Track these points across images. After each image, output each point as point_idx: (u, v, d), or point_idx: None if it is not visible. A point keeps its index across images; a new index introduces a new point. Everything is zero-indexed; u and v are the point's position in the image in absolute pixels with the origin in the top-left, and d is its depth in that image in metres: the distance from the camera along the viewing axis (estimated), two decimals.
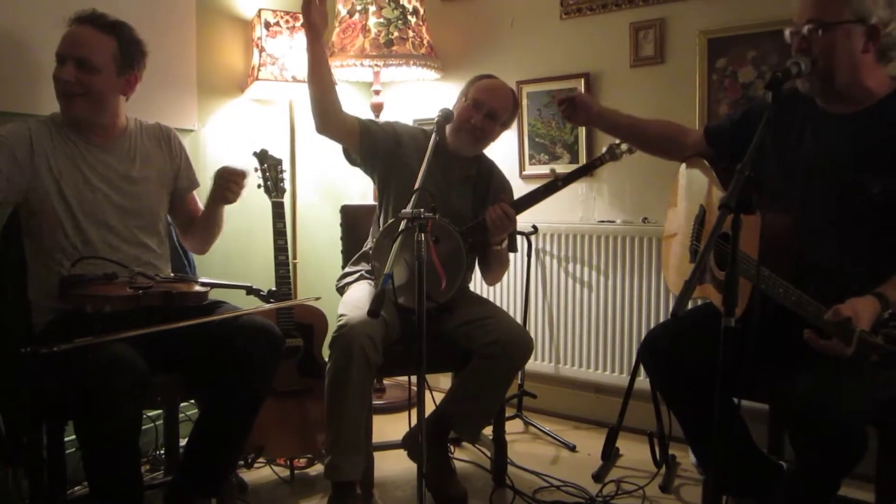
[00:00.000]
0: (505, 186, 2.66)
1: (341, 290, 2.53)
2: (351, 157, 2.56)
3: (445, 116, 2.34)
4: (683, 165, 2.29)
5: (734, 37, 2.80)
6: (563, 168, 3.26)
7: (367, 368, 2.17)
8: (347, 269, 2.61)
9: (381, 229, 2.38)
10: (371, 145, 2.47)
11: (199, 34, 2.99)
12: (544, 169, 3.33)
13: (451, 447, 2.55)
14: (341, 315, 2.26)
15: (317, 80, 2.39)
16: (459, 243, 2.31)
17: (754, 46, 2.75)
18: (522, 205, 2.42)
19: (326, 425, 2.25)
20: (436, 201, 1.85)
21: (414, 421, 1.82)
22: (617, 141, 2.45)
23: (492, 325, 2.34)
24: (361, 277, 2.51)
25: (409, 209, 1.73)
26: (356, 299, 2.35)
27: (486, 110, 2.47)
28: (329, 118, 2.43)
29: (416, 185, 1.91)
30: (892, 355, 1.39)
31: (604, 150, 2.49)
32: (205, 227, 2.26)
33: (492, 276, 2.60)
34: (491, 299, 2.83)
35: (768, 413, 2.33)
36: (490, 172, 2.63)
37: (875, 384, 1.65)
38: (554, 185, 2.46)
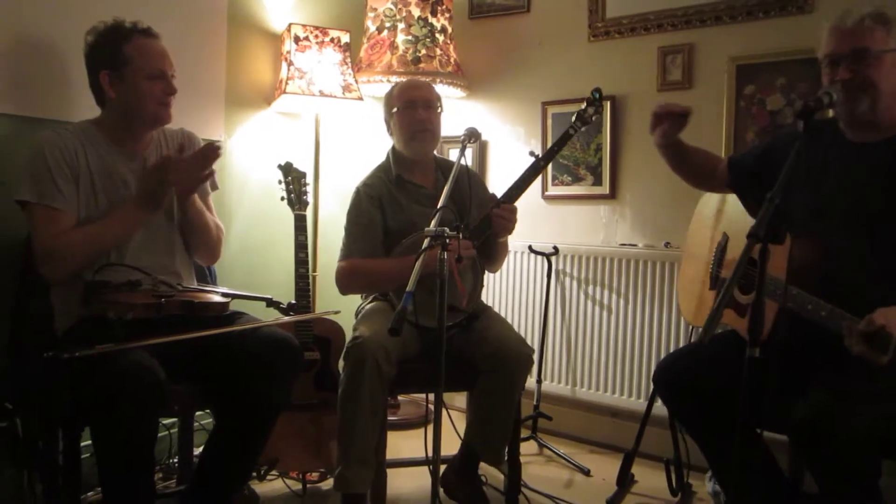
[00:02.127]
0: (481, 180, 2.75)
1: (358, 313, 2.53)
2: None
3: (471, 135, 2.34)
4: (705, 195, 2.29)
5: (763, 64, 2.79)
6: (586, 189, 3.27)
7: (379, 380, 2.16)
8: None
9: (396, 250, 2.37)
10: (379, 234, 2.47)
11: (229, 46, 3.03)
12: (567, 190, 3.32)
13: (484, 476, 2.52)
14: (356, 328, 2.28)
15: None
16: (477, 261, 2.31)
17: (783, 74, 2.74)
18: (515, 194, 2.39)
19: (338, 436, 2.25)
20: (459, 220, 1.85)
21: (430, 439, 1.81)
22: (583, 106, 2.44)
23: (489, 336, 2.33)
24: (375, 299, 2.51)
25: (432, 227, 1.73)
26: (372, 315, 2.36)
27: (422, 103, 2.48)
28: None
29: (440, 204, 1.91)
30: None
31: (573, 118, 2.46)
32: (190, 229, 2.21)
33: (496, 266, 2.60)
34: (510, 319, 2.82)
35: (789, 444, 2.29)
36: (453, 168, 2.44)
37: (886, 402, 1.62)
38: (537, 164, 2.42)
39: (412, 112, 2.47)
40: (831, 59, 1.83)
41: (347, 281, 2.43)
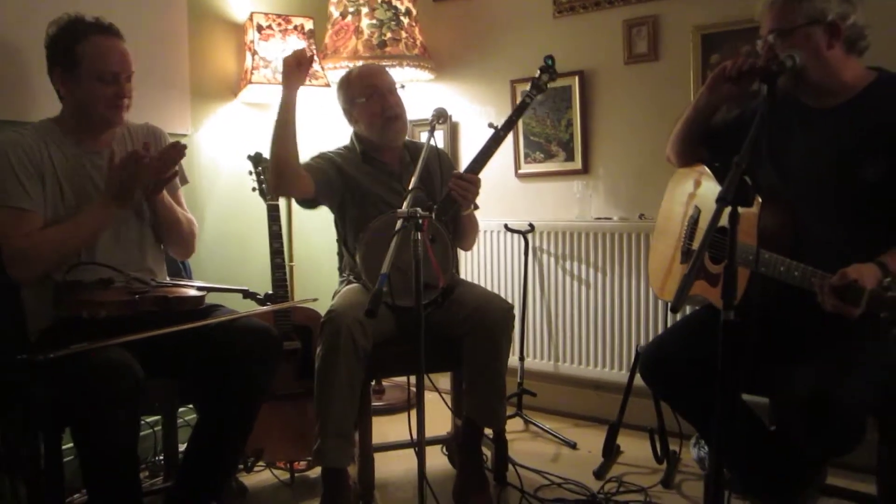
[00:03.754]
0: (451, 162, 2.72)
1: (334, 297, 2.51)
2: (307, 205, 2.50)
3: (440, 115, 2.33)
4: (678, 172, 2.29)
5: (727, 32, 2.79)
6: (559, 165, 3.28)
7: (355, 354, 2.16)
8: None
9: (365, 234, 2.34)
10: (328, 189, 2.43)
11: (191, 38, 2.98)
12: (540, 167, 3.33)
13: (486, 457, 2.52)
14: (331, 305, 2.28)
15: (285, 138, 2.27)
16: (446, 235, 2.31)
17: (747, 41, 2.73)
18: (478, 165, 2.38)
19: (315, 411, 2.23)
20: (431, 199, 1.84)
21: (414, 422, 1.81)
22: (537, 74, 2.45)
23: (466, 299, 2.34)
24: (349, 282, 2.50)
25: (405, 208, 1.72)
26: (347, 294, 2.36)
27: (386, 88, 2.48)
28: (292, 181, 2.33)
29: (411, 186, 1.91)
30: None
31: (528, 87, 2.47)
32: (161, 230, 2.19)
33: (468, 242, 2.60)
34: None
35: (769, 406, 2.33)
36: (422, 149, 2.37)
37: (876, 370, 1.65)
38: (497, 135, 2.42)
39: (380, 100, 2.45)
40: (761, 43, 1.89)
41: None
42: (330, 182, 2.43)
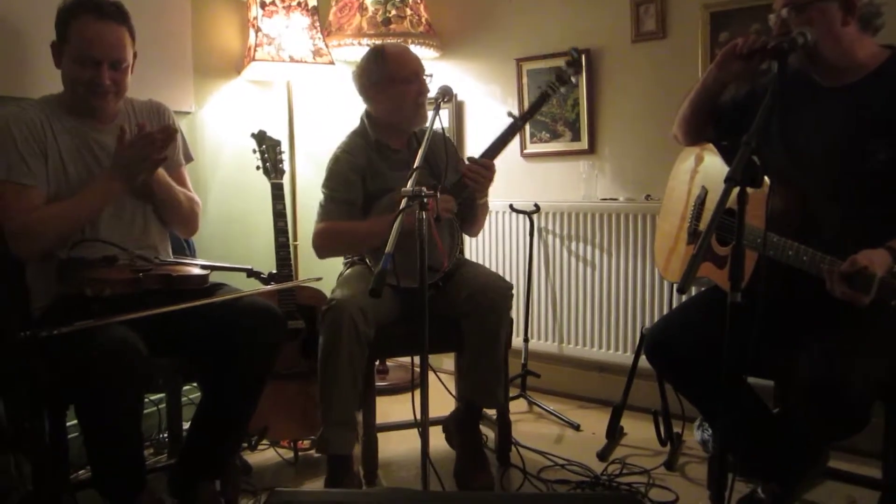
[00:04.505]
0: (455, 147, 2.70)
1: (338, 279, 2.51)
2: None
3: (445, 93, 2.30)
4: (684, 150, 2.27)
5: (736, 10, 2.75)
6: (564, 145, 3.25)
7: (357, 342, 2.16)
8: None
9: (372, 213, 2.35)
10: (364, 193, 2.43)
11: (194, 15, 2.95)
12: (546, 147, 3.30)
13: (485, 436, 2.53)
14: (333, 291, 2.28)
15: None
16: (453, 218, 2.30)
17: (757, 19, 2.70)
18: (494, 152, 2.38)
19: (319, 399, 2.24)
20: (436, 179, 1.82)
21: (418, 402, 1.81)
22: (563, 65, 2.43)
23: (467, 278, 2.34)
24: (353, 263, 2.49)
25: (409, 187, 1.71)
26: (349, 279, 2.35)
27: (421, 73, 2.46)
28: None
29: (416, 164, 1.88)
30: None
31: (553, 77, 2.46)
32: (160, 205, 2.15)
33: (477, 228, 2.58)
34: None
35: (773, 389, 2.32)
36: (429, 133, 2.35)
37: (883, 354, 1.64)
38: (514, 125, 2.43)
39: (415, 86, 2.43)
40: (774, 16, 1.85)
41: (324, 243, 2.41)
42: (359, 200, 2.41)
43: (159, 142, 1.95)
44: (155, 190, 2.10)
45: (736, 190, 1.39)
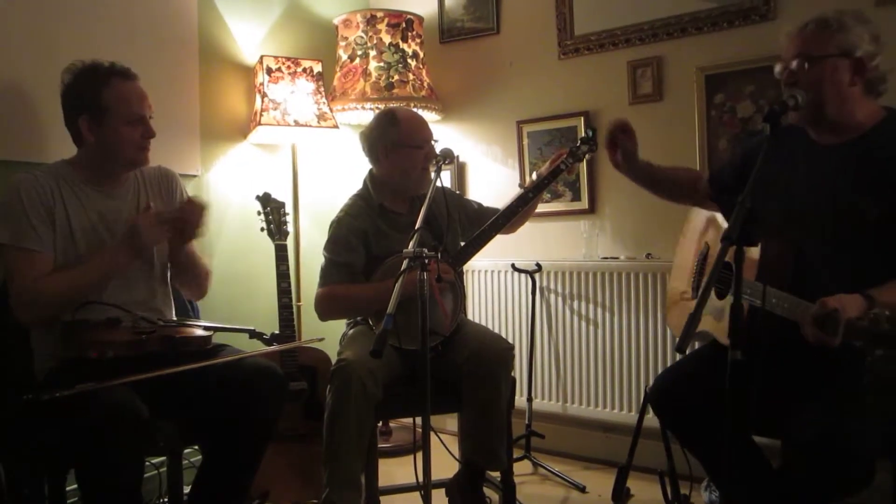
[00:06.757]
0: (458, 198, 2.79)
1: (342, 340, 2.51)
2: None
3: (446, 156, 2.34)
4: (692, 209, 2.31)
5: (731, 73, 2.82)
6: (565, 205, 3.29)
7: (365, 402, 2.15)
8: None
9: (375, 275, 2.37)
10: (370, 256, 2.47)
11: (201, 81, 3.03)
12: (547, 207, 3.34)
13: (489, 499, 2.49)
14: (341, 352, 2.27)
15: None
16: (457, 282, 2.31)
17: (751, 81, 2.77)
18: (505, 220, 2.53)
19: (324, 459, 2.22)
20: (437, 240, 1.85)
21: (420, 463, 1.79)
22: (577, 143, 2.53)
23: (468, 338, 2.34)
24: (357, 324, 2.50)
25: (410, 248, 1.73)
26: (355, 339, 2.35)
27: (431, 139, 2.51)
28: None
29: (417, 226, 1.90)
30: (878, 337, 1.40)
31: (565, 155, 2.57)
32: (181, 272, 2.22)
33: (517, 227, 2.74)
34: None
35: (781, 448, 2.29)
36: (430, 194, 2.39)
37: (884, 416, 1.63)
38: (525, 196, 2.52)
39: (430, 152, 2.47)
40: (781, 65, 1.88)
41: (327, 306, 2.42)
42: (360, 263, 2.45)
43: (198, 216, 2.05)
44: (181, 260, 2.15)
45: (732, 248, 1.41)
